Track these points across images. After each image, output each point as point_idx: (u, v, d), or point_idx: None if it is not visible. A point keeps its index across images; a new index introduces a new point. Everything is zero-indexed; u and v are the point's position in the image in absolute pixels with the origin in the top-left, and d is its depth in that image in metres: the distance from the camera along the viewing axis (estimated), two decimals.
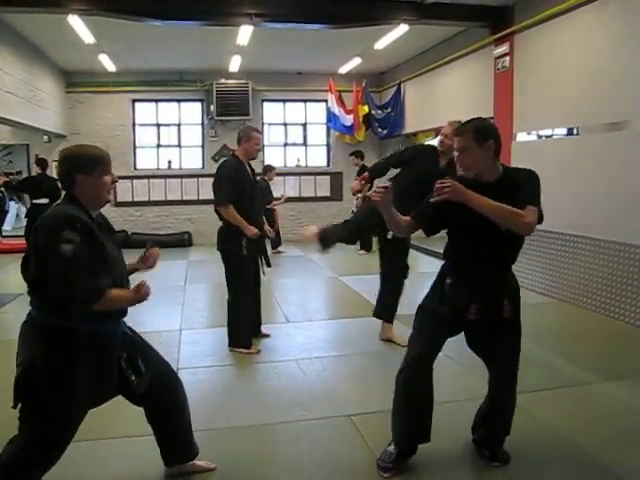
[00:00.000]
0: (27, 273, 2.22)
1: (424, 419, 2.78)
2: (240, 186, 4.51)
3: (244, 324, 4.70)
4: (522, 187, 2.55)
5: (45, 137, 11.07)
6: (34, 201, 9.00)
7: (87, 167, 2.24)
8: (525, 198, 2.52)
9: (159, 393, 2.57)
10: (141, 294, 2.30)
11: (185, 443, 2.74)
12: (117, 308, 2.32)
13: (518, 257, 2.73)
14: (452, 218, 2.64)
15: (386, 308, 4.94)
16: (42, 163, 9.11)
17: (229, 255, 4.61)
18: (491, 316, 2.68)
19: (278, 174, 10.77)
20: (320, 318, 5.90)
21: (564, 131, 6.46)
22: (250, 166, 4.75)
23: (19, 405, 2.19)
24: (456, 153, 2.65)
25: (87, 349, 2.22)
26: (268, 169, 9.78)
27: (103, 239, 2.24)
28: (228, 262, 4.63)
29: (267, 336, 5.05)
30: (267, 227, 9.27)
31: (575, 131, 6.20)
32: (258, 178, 9.55)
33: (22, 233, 9.95)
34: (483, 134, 2.54)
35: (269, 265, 4.96)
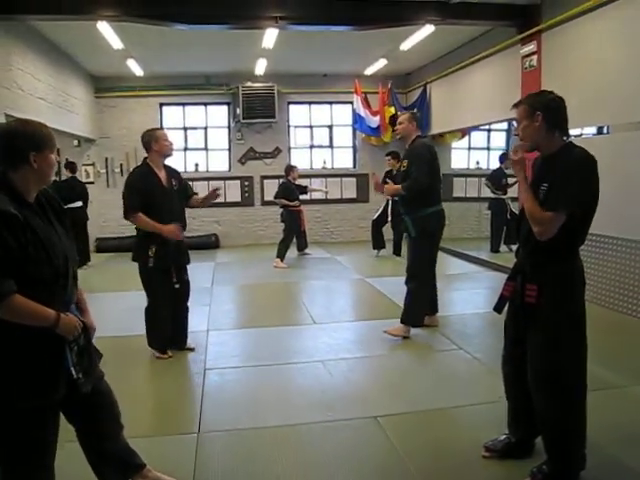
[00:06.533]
0: None
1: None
2: (148, 194, 4.40)
3: (157, 331, 4.65)
4: (558, 179, 2.44)
5: (75, 141, 11.23)
6: (68, 205, 9.15)
7: (39, 145, 1.97)
8: (551, 200, 2.43)
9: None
10: (70, 326, 1.99)
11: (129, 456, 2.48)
12: (29, 322, 1.90)
13: None
14: None
15: None
16: (72, 167, 9.29)
17: (139, 266, 4.55)
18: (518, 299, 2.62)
19: (304, 176, 10.75)
20: (346, 319, 5.88)
21: (594, 130, 6.35)
22: (167, 169, 4.63)
23: None
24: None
25: (25, 341, 1.93)
26: (289, 169, 9.70)
27: (36, 224, 1.94)
28: (139, 272, 4.57)
29: (192, 350, 4.85)
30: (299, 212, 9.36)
31: (605, 130, 6.09)
32: (281, 180, 9.67)
33: None
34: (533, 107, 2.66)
35: (184, 275, 4.82)
